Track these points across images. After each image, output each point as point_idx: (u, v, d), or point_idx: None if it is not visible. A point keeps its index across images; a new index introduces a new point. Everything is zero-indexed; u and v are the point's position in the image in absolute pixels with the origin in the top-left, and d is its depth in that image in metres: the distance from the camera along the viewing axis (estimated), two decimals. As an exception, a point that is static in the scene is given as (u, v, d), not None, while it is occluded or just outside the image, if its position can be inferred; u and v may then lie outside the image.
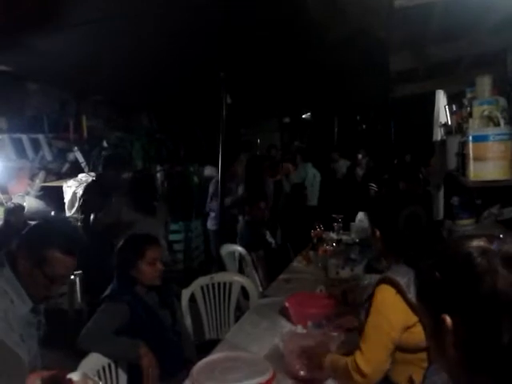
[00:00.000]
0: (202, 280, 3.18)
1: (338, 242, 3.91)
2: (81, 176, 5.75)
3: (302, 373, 1.74)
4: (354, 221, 4.42)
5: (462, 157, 2.37)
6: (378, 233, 1.79)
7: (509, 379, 0.74)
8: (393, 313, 1.58)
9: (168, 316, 2.36)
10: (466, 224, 2.83)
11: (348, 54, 5.09)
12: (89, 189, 4.30)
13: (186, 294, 3.00)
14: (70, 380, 1.34)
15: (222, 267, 4.09)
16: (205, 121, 8.01)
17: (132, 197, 3.86)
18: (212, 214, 6.05)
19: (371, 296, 1.68)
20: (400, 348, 1.62)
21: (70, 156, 6.33)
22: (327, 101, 8.33)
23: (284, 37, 4.53)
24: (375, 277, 2.89)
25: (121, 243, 2.38)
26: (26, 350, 1.51)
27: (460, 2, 2.24)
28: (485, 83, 2.27)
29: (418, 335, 1.51)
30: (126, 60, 4.78)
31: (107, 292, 2.22)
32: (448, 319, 0.79)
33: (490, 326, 0.75)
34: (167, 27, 3.93)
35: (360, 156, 8.29)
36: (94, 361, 1.94)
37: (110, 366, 2.02)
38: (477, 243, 0.81)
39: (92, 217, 3.88)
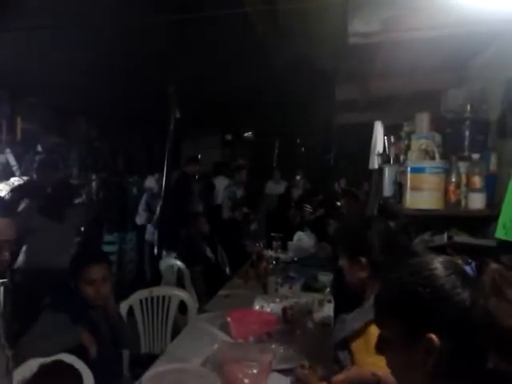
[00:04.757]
0: (142, 293, 3.14)
1: (277, 260, 4.00)
2: (13, 180, 5.49)
3: (246, 381, 1.77)
4: (291, 240, 4.55)
5: (399, 185, 2.55)
6: (363, 260, 1.75)
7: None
8: None
9: (109, 333, 2.31)
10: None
11: (294, 79, 5.28)
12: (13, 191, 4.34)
13: (124, 307, 2.95)
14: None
15: (158, 281, 4.05)
16: (147, 132, 7.93)
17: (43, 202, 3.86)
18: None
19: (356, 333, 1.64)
20: None
21: (1, 158, 6.03)
22: (269, 122, 8.52)
23: (231, 56, 4.64)
24: (312, 295, 3.03)
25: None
26: None
27: (405, 43, 2.42)
28: (423, 119, 2.48)
29: None
30: (65, 63, 4.66)
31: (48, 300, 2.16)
32: (435, 338, 0.80)
33: (478, 349, 0.78)
34: (114, 34, 3.90)
35: (298, 177, 8.49)
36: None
37: None
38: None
39: None
